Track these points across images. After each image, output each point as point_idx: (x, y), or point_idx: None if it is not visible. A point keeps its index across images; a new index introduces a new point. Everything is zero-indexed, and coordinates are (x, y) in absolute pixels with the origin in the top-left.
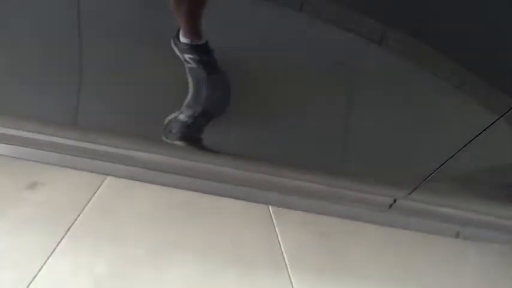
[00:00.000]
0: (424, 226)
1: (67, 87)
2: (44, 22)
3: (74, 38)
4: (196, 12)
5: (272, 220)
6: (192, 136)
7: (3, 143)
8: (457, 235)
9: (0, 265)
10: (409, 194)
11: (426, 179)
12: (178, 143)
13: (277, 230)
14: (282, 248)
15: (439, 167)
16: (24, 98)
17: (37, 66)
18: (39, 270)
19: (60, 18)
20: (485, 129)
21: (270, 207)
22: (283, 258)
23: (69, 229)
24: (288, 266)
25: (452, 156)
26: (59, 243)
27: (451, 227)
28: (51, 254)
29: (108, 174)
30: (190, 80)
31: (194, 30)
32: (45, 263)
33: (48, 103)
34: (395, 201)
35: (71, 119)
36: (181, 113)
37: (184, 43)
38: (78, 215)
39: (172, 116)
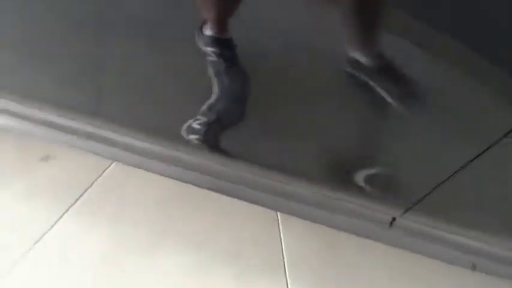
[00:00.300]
0: (435, 252)
1: (89, 76)
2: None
3: (97, 28)
4: (228, 6)
5: (278, 224)
6: (212, 136)
7: (20, 119)
8: (473, 267)
9: (5, 229)
10: (404, 212)
11: (424, 197)
12: (198, 140)
13: (282, 235)
14: (284, 254)
15: (438, 185)
16: (48, 82)
17: (61, 52)
18: (39, 240)
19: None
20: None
21: (278, 213)
22: (284, 264)
23: (74, 204)
24: (287, 273)
25: (453, 174)
26: (62, 215)
27: (466, 257)
28: (54, 224)
29: (115, 160)
30: (211, 73)
31: (222, 24)
32: (45, 233)
33: (71, 90)
34: (394, 219)
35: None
36: (205, 111)
37: (208, 36)
38: (85, 191)
39: (190, 121)
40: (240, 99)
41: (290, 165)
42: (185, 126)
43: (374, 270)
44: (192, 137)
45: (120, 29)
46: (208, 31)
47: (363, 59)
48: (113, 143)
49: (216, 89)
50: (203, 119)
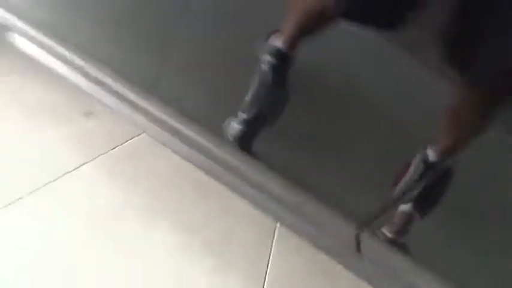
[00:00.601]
0: None
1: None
2: None
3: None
4: (309, 26)
5: (274, 235)
6: (243, 138)
7: (79, 73)
8: None
9: (33, 163)
10: (367, 226)
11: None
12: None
13: (273, 246)
14: (269, 264)
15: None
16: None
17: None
18: (52, 181)
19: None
20: None
21: (278, 224)
22: (265, 273)
23: (97, 157)
24: (265, 284)
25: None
26: (84, 164)
27: None
28: (75, 170)
29: (149, 135)
30: (256, 81)
31: (294, 40)
32: (66, 174)
33: (135, 62)
34: (359, 242)
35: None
36: (237, 115)
37: (272, 45)
38: (112, 149)
39: (230, 118)
40: (273, 112)
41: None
42: (226, 122)
43: None
44: (231, 133)
45: (195, 16)
46: (275, 41)
47: (431, 154)
48: (152, 118)
49: (253, 98)
50: (243, 116)
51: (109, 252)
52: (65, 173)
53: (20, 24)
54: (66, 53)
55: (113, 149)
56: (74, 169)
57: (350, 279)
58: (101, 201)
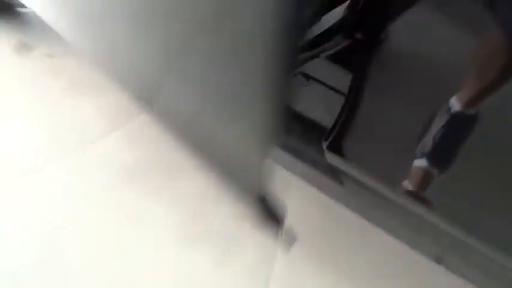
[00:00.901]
0: (396, 230)
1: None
2: None
3: None
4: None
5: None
6: None
7: None
8: (439, 261)
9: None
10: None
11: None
12: None
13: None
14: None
15: None
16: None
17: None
18: (77, 148)
19: None
20: None
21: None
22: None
23: (119, 129)
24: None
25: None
26: (111, 132)
27: (432, 248)
28: (96, 140)
29: None
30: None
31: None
32: (83, 145)
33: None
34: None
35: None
36: None
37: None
38: (132, 122)
39: None
40: None
41: None
42: None
43: (370, 262)
44: None
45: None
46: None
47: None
48: None
49: None
50: None
51: (122, 219)
52: (90, 142)
53: None
54: None
55: (136, 120)
56: (99, 138)
57: (366, 232)
58: (121, 165)
